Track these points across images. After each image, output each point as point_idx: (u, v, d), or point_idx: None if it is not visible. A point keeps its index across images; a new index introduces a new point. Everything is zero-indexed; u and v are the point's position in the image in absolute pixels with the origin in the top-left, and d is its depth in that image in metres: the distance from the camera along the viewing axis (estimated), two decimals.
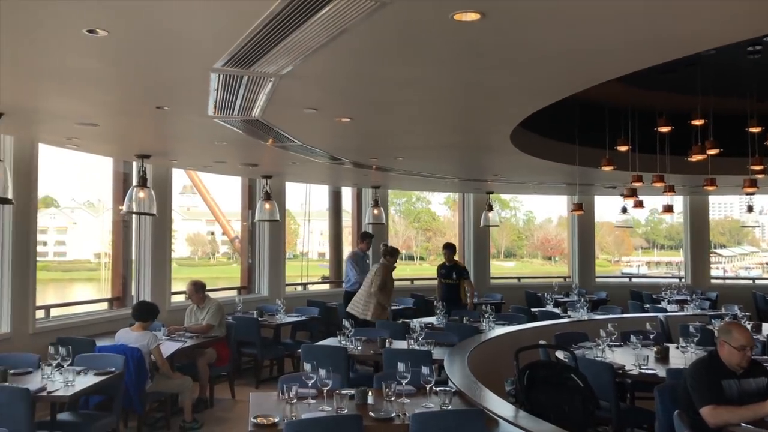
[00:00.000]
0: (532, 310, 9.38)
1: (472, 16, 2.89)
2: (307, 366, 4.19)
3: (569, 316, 8.54)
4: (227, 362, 7.30)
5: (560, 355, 5.52)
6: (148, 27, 3.09)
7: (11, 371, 4.92)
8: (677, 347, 5.95)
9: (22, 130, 5.85)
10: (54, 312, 7.24)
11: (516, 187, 12.03)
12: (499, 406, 3.80)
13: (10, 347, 5.90)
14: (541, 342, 5.59)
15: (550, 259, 33.18)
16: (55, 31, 3.10)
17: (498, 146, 6.84)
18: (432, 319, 8.10)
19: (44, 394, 4.55)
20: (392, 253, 8.23)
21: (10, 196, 5.01)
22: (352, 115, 5.22)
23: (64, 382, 4.74)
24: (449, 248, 9.41)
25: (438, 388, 4.14)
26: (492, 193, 11.92)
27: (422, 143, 6.79)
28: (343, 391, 4.03)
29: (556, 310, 9.24)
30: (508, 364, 4.69)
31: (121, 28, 3.07)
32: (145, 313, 6.05)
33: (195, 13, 2.93)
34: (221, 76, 3.95)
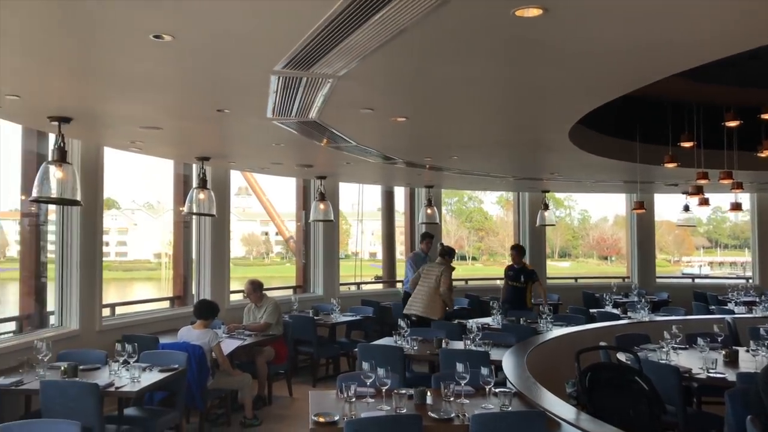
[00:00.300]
0: (591, 311, 9.18)
1: (534, 12, 2.84)
2: (365, 365, 4.20)
3: (629, 318, 8.33)
4: (285, 360, 7.40)
5: (622, 357, 5.38)
6: (212, 31, 3.15)
7: (81, 367, 5.10)
8: (747, 350, 5.72)
9: (89, 134, 6.07)
10: (118, 310, 7.49)
11: (573, 185, 11.80)
12: (560, 408, 3.73)
13: (79, 344, 6.13)
14: (602, 344, 5.47)
15: (606, 258, 32.43)
16: (123, 36, 3.19)
17: (556, 144, 6.72)
18: (488, 320, 8.02)
19: (112, 389, 4.70)
20: (450, 253, 8.31)
21: (78, 197, 5.19)
22: (408, 115, 5.21)
23: (131, 378, 4.88)
24: (517, 250, 9.08)
25: (497, 389, 4.09)
26: (548, 191, 11.72)
27: (478, 142, 6.74)
28: (401, 391, 4.03)
29: (616, 311, 9.02)
30: (567, 366, 4.61)
31: (186, 32, 3.14)
32: (206, 311, 6.19)
33: (257, 17, 2.97)
34: (281, 78, 4.00)
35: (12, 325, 6.15)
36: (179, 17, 2.95)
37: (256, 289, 7.43)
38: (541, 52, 3.56)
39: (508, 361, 4.99)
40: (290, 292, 10.23)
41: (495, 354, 5.57)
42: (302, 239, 10.60)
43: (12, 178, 6.71)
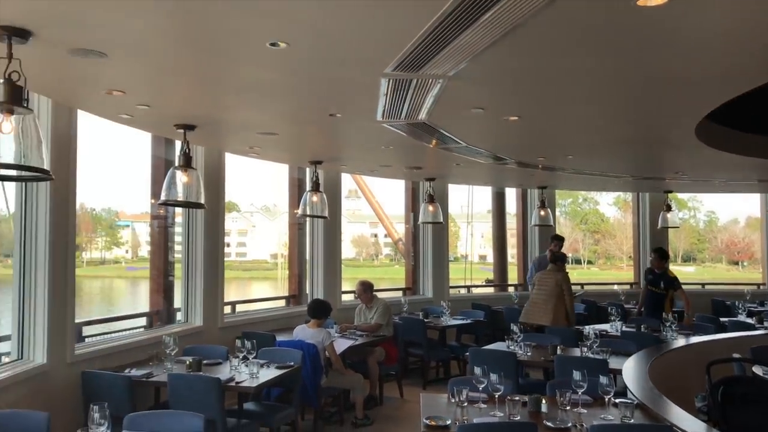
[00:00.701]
0: (721, 319, 8.54)
1: (657, 1, 2.67)
2: (476, 370, 4.12)
3: (766, 328, 7.66)
4: (395, 361, 7.45)
5: (758, 370, 4.94)
6: (325, 37, 3.21)
7: (205, 361, 5.38)
8: None
9: (211, 140, 6.40)
10: (238, 308, 7.85)
11: (699, 185, 11.03)
12: (689, 423, 3.48)
13: (202, 339, 6.47)
14: (736, 355, 5.06)
15: (737, 264, 30.14)
16: (241, 45, 3.32)
17: (680, 141, 6.30)
18: (606, 326, 7.67)
19: (233, 384, 4.91)
20: (562, 259, 8.13)
21: (202, 201, 5.49)
22: (521, 114, 5.07)
23: (250, 373, 5.07)
24: (658, 253, 8.51)
25: (617, 400, 3.88)
26: (671, 192, 11.05)
27: (595, 140, 6.45)
28: (515, 397, 3.92)
29: (750, 321, 8.33)
30: (695, 378, 4.30)
31: (301, 39, 3.22)
32: (320, 311, 6.34)
33: (367, 21, 2.99)
34: (391, 80, 4.02)
35: (143, 321, 6.60)
36: (294, 25, 3.03)
37: (366, 290, 7.52)
38: (665, 43, 3.34)
39: (628, 370, 4.73)
40: (399, 293, 10.28)
41: (614, 362, 5.30)
42: (411, 241, 10.62)
43: (143, 183, 7.19)
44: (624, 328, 7.46)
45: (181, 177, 5.31)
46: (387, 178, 9.99)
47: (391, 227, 22.04)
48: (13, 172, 3.33)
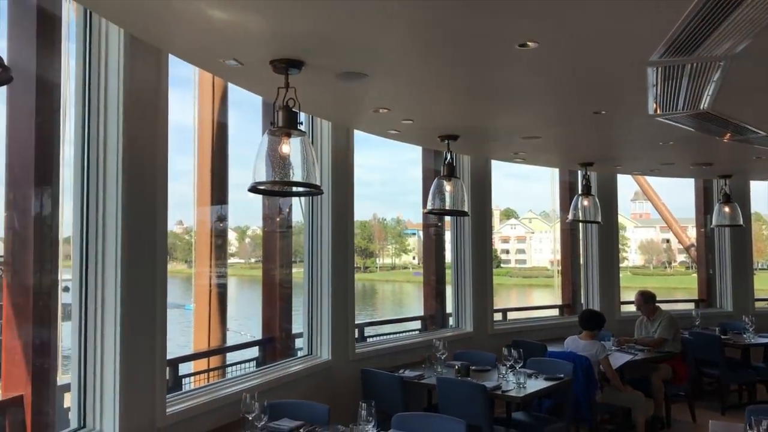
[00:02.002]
0: None
1: None
2: None
3: None
4: (685, 381, 6.68)
5: None
6: (577, 30, 3.01)
7: (473, 367, 5.44)
8: None
9: (475, 149, 6.49)
10: (510, 315, 7.81)
11: None
12: None
13: (472, 345, 6.56)
14: None
15: None
16: (489, 50, 3.28)
17: None
18: None
19: (498, 392, 4.87)
20: None
21: (466, 209, 5.58)
22: None
23: (517, 382, 4.99)
24: None
25: None
26: None
27: None
28: None
29: None
30: None
31: (551, 36, 3.07)
32: (591, 322, 5.98)
33: (623, 7, 2.73)
34: (659, 68, 3.61)
35: (418, 324, 6.95)
36: (542, 22, 2.90)
37: (647, 300, 6.90)
38: None
39: None
40: (691, 305, 9.21)
41: None
42: (705, 247, 9.46)
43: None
44: None
45: (445, 186, 5.47)
46: (670, 177, 9.05)
47: (681, 232, 19.97)
48: (299, 189, 3.74)
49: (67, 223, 3.67)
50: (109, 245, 3.32)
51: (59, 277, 3.76)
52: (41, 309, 3.67)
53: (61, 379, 3.87)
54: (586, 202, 7.01)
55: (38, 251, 3.64)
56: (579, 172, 7.76)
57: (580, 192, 7.11)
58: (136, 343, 3.36)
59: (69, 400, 3.56)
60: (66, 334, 3.75)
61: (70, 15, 3.74)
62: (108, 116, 3.35)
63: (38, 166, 3.59)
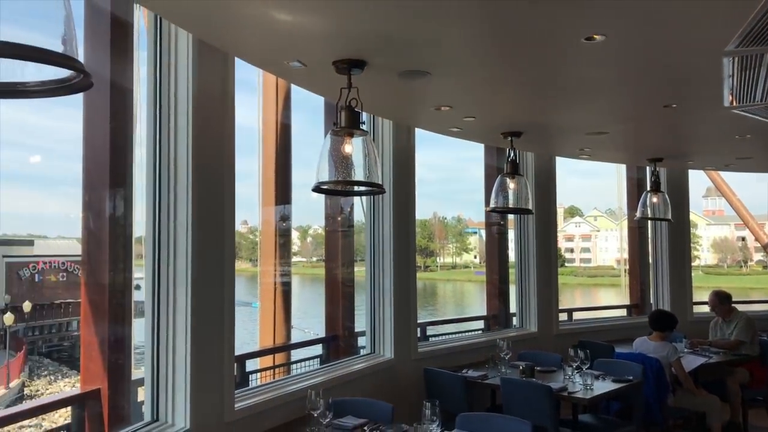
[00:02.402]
0: None
1: None
2: None
3: None
4: (763, 385, 6.38)
5: None
6: (647, 21, 2.90)
7: (538, 368, 5.34)
8: None
9: (538, 145, 6.37)
10: (576, 315, 7.64)
11: None
12: None
13: (537, 346, 6.45)
14: None
15: None
16: (555, 45, 3.21)
17: None
18: None
19: (565, 393, 4.77)
20: None
21: (530, 206, 5.48)
22: None
23: (583, 384, 4.88)
24: None
25: None
26: None
27: None
28: None
29: None
30: None
31: (619, 29, 2.98)
32: (662, 323, 5.78)
33: None
34: (735, 59, 3.45)
35: (481, 323, 6.88)
36: (609, 14, 2.81)
37: (723, 301, 6.62)
38: None
39: None
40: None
41: None
42: None
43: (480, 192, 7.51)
44: None
45: (509, 184, 5.38)
46: (747, 172, 8.63)
47: (759, 229, 19.06)
48: (360, 188, 3.76)
49: (137, 223, 3.81)
50: (180, 244, 3.42)
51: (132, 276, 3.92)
52: (116, 306, 3.82)
53: (134, 374, 4.04)
54: (655, 199, 6.78)
55: (113, 251, 3.79)
56: (647, 168, 7.51)
57: (648, 189, 6.88)
58: (205, 340, 3.45)
59: (142, 394, 3.70)
60: (137, 331, 3.92)
61: (140, 23, 3.89)
62: (178, 119, 3.45)
63: (113, 169, 3.74)
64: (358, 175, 3.41)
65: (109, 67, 3.59)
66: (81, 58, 1.27)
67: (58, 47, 1.21)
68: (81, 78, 1.26)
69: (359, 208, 5.75)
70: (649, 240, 8.15)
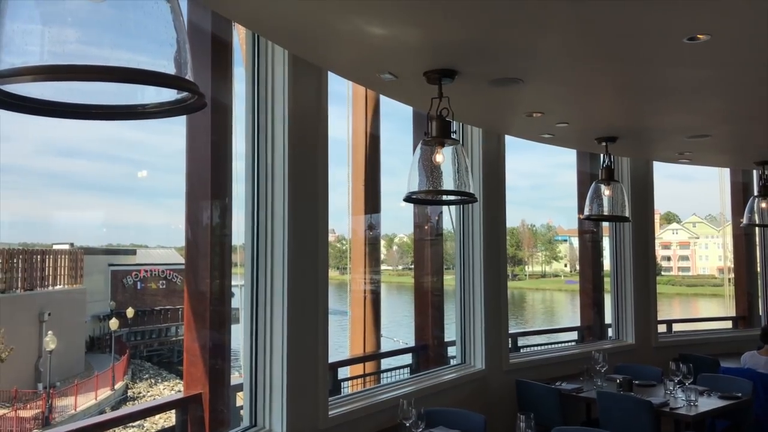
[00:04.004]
0: None
1: None
2: None
3: None
4: None
5: None
6: (755, 18, 2.75)
7: (636, 382, 5.13)
8: None
9: (635, 150, 6.13)
10: (676, 327, 7.28)
11: None
12: None
13: (634, 358, 6.18)
14: None
15: None
16: (654, 46, 3.09)
17: None
18: None
19: (666, 409, 4.55)
20: None
21: (627, 214, 5.28)
22: None
23: (687, 400, 4.64)
24: None
25: None
26: None
27: None
28: None
29: None
30: None
31: (723, 27, 2.83)
32: None
33: None
34: None
35: (574, 335, 6.68)
36: (714, 13, 2.68)
37: None
38: None
39: None
40: None
41: None
42: None
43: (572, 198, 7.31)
44: None
45: (604, 190, 5.21)
46: None
47: None
48: (451, 197, 3.76)
49: (235, 233, 3.96)
50: (276, 253, 3.53)
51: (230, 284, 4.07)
52: (216, 313, 3.98)
53: (233, 379, 4.19)
54: (764, 205, 6.36)
55: (213, 259, 3.96)
56: (754, 171, 7.07)
57: (756, 193, 6.47)
58: (301, 347, 3.54)
59: (240, 399, 3.83)
60: (234, 338, 4.07)
61: (235, 41, 4.06)
62: (275, 133, 3.57)
63: (213, 181, 3.91)
64: (449, 184, 3.41)
65: (210, 85, 3.76)
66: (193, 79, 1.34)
67: (172, 70, 1.28)
68: (195, 99, 1.33)
69: (447, 216, 5.73)
70: (757, 248, 7.66)
